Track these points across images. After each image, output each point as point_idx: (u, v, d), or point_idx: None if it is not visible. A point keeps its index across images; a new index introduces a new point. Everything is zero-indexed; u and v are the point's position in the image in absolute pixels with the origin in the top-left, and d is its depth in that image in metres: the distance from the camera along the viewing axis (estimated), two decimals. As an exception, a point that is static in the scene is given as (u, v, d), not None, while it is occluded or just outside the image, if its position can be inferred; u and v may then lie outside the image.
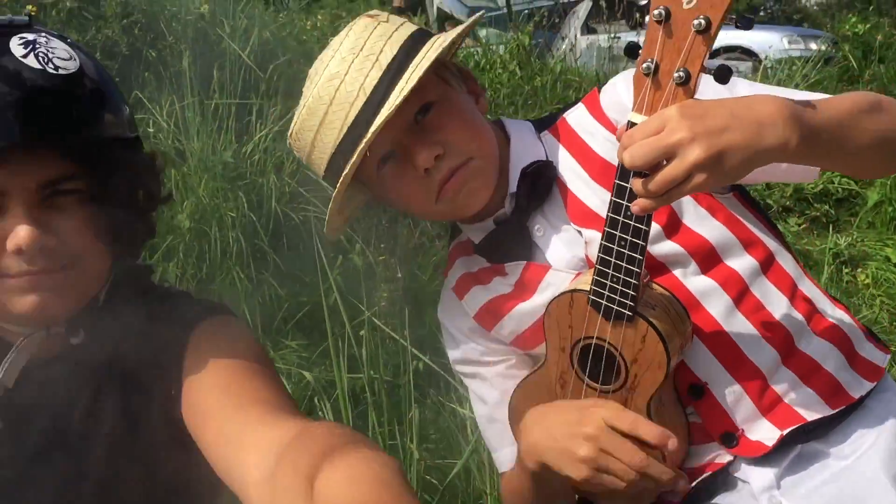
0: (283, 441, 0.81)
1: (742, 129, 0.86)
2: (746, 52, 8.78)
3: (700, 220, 1.12)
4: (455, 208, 1.14)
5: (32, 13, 2.96)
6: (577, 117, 1.19)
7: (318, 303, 3.00)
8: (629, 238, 0.98)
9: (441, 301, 1.32)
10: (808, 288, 1.18)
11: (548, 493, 1.18)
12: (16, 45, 0.90)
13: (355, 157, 1.05)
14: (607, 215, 1.00)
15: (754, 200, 1.21)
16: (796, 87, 5.28)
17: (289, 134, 1.17)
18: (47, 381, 1.00)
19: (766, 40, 8.73)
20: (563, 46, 6.25)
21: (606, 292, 1.02)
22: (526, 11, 11.27)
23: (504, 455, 1.27)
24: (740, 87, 1.09)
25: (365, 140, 1.04)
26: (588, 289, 1.05)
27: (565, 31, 6.70)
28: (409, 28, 1.12)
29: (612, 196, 0.99)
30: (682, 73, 0.89)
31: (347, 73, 1.07)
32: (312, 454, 0.76)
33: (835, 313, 1.19)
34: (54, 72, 0.89)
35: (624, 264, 1.00)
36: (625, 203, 0.97)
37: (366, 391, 2.50)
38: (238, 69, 3.35)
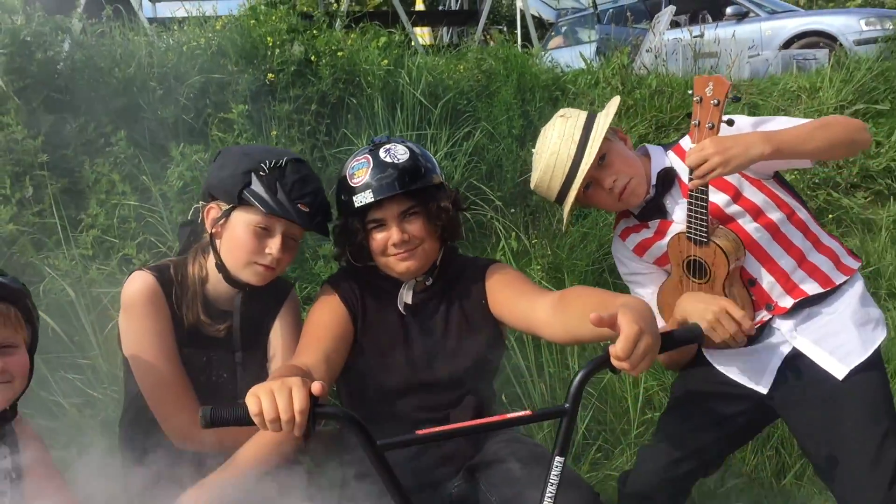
0: (553, 298, 1.89)
1: (739, 147, 1.90)
2: (826, 36, 9.33)
3: (753, 193, 2.14)
4: (629, 203, 2.21)
5: (271, 79, 4.15)
6: (685, 142, 2.20)
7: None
8: (700, 203, 2.03)
9: (613, 243, 2.40)
10: (815, 228, 2.19)
11: None
12: (381, 153, 2.02)
13: (574, 190, 2.14)
14: (689, 192, 2.05)
15: (785, 180, 2.23)
16: (868, 70, 6.15)
17: (532, 185, 2.27)
18: (422, 301, 2.13)
19: (845, 23, 9.30)
20: (650, 52, 7.09)
21: (694, 231, 2.07)
22: (611, 10, 12.01)
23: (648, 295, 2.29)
24: (772, 123, 2.11)
25: (577, 182, 2.13)
26: (685, 230, 2.10)
27: (650, 40, 7.51)
28: (584, 116, 2.19)
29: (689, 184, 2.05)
30: (710, 124, 1.95)
31: (559, 150, 2.16)
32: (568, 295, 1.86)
33: (830, 242, 2.20)
34: (399, 161, 2.00)
35: (698, 216, 2.04)
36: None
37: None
38: (413, 107, 4.49)
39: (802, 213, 2.18)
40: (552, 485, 1.59)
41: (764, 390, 2.15)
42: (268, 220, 1.98)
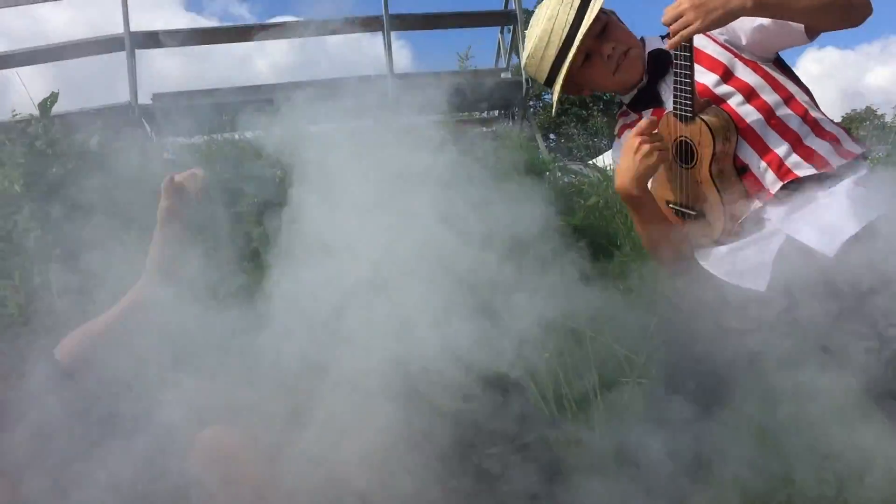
0: None
1: (717, 1, 1.81)
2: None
3: (746, 73, 2.02)
4: (626, 79, 2.12)
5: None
6: None
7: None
8: (684, 72, 1.93)
9: (612, 147, 2.30)
10: (816, 112, 2.02)
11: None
12: None
13: (571, 55, 2.04)
14: (674, 63, 1.95)
15: (786, 65, 2.10)
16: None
17: (523, 61, 2.16)
18: None
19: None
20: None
21: (680, 106, 1.98)
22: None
23: None
24: None
25: (575, 44, 2.04)
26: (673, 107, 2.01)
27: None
28: None
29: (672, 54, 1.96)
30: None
31: (557, 14, 2.08)
32: None
33: (834, 128, 2.02)
34: None
35: (683, 87, 1.95)
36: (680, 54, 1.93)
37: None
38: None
39: (803, 98, 2.03)
40: None
41: (762, 288, 1.95)
42: None
